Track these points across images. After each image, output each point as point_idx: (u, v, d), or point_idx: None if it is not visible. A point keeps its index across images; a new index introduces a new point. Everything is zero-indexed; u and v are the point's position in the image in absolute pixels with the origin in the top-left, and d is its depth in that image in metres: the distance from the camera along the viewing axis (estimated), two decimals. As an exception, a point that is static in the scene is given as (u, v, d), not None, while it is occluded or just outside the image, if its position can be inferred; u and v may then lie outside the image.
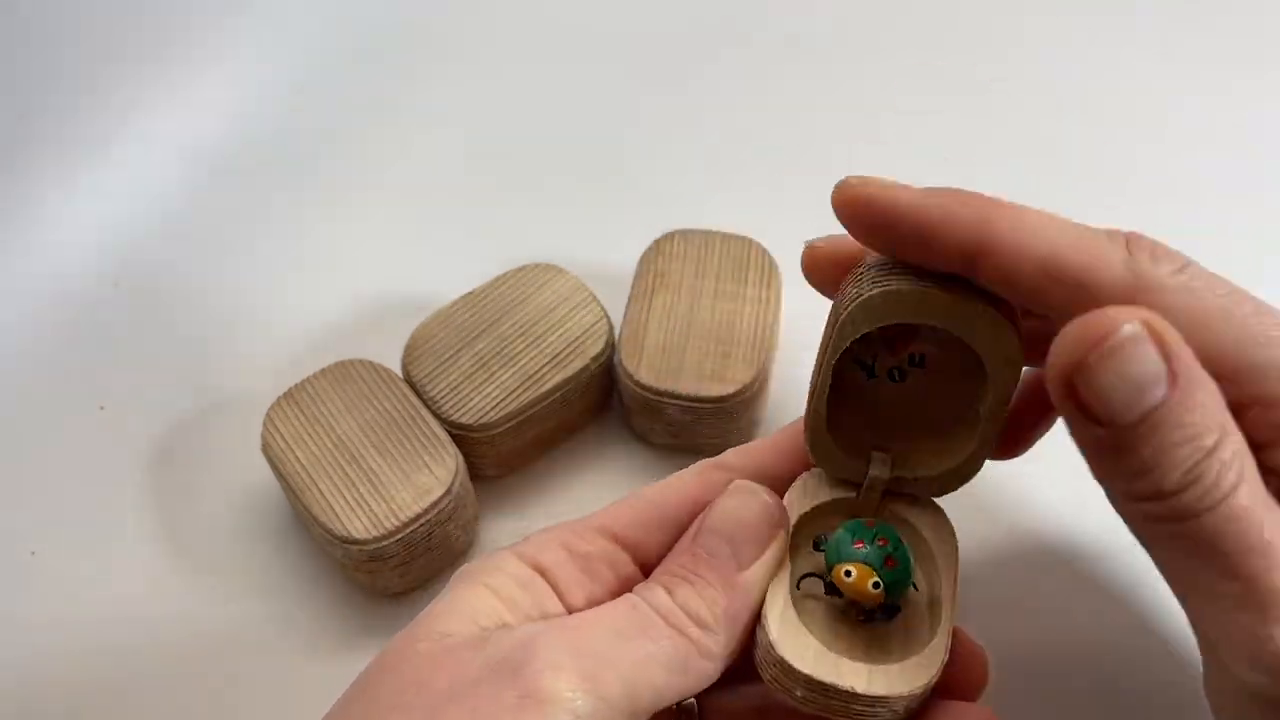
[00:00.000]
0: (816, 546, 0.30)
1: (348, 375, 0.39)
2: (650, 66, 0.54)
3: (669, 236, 0.43)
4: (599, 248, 0.45)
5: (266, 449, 0.38)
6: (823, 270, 0.32)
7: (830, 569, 0.29)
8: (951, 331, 0.27)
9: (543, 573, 0.29)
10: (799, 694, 0.27)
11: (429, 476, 0.36)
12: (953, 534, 0.30)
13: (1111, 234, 0.27)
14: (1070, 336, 0.23)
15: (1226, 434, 0.24)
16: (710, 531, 0.29)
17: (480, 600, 0.28)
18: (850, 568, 0.28)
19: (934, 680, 0.27)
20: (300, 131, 0.52)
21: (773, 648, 0.27)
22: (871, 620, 0.29)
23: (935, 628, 0.28)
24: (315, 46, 0.54)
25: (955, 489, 0.30)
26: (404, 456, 0.37)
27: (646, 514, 0.30)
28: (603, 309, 0.41)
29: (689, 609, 0.27)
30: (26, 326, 0.46)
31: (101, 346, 0.45)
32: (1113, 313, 0.23)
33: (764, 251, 0.42)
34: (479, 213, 0.49)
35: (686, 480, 0.31)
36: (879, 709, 0.27)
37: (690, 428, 0.40)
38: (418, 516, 0.36)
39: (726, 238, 0.42)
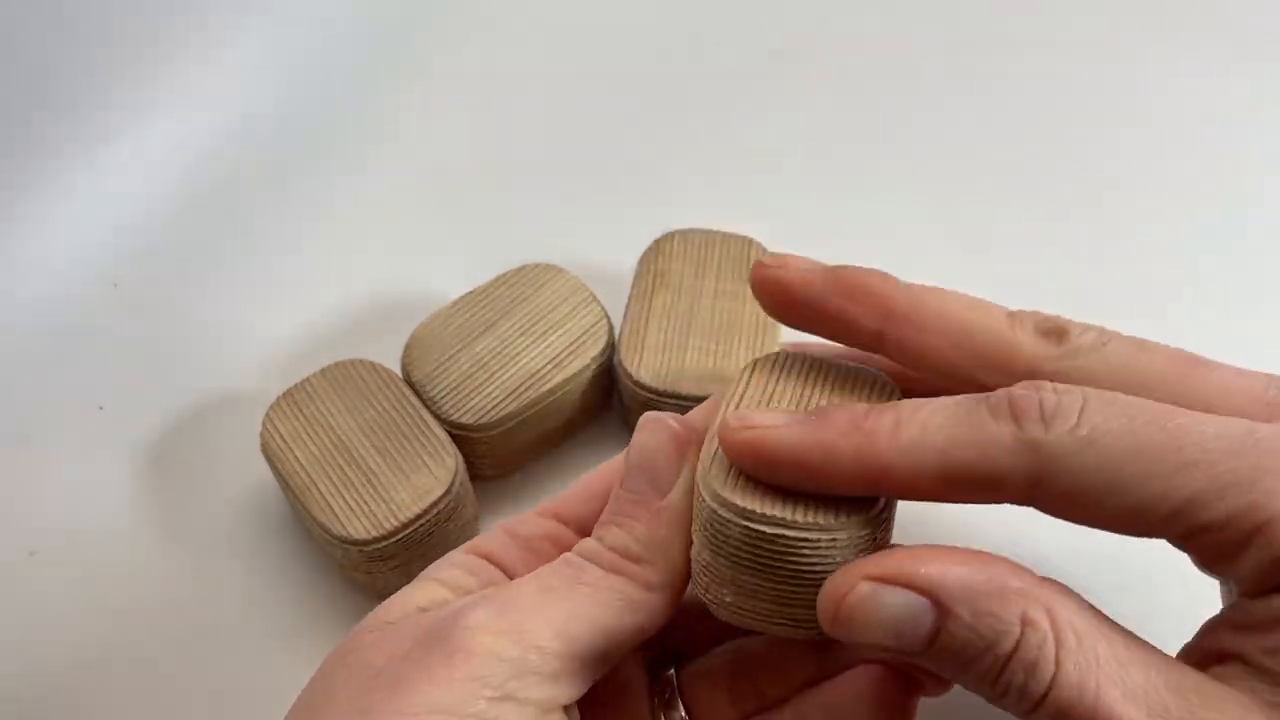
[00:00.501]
0: None
1: (347, 375, 0.39)
2: (650, 66, 0.54)
3: (669, 236, 0.43)
4: (599, 248, 0.45)
5: (266, 449, 0.38)
6: (772, 295, 0.31)
7: None
8: None
9: (488, 557, 0.30)
10: (734, 532, 0.26)
11: (428, 477, 0.36)
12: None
13: (1014, 316, 0.28)
14: (821, 599, 0.25)
15: (1029, 623, 0.24)
16: (629, 472, 0.29)
17: (427, 590, 0.29)
18: None
19: (879, 521, 0.26)
20: (300, 131, 0.51)
21: (706, 482, 0.26)
22: None
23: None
24: (315, 46, 0.54)
25: None
26: (403, 457, 0.37)
27: (587, 490, 0.31)
28: (603, 309, 0.41)
29: (619, 547, 0.28)
30: (26, 326, 0.46)
31: (101, 346, 0.45)
32: (852, 575, 0.25)
33: (764, 251, 0.42)
34: (479, 213, 0.49)
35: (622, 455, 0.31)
36: (818, 541, 0.25)
37: (690, 428, 0.40)
38: (417, 517, 0.36)
39: (726, 238, 0.42)
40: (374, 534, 0.35)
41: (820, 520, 0.25)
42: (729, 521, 0.26)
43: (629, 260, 0.43)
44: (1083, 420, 0.24)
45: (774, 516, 0.25)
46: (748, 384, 0.29)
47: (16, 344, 0.45)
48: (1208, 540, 0.24)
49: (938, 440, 0.25)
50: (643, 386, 0.39)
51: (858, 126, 0.51)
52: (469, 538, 0.39)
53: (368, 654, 0.27)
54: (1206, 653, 0.25)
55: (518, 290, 0.41)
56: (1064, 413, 0.24)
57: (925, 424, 0.25)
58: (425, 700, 0.25)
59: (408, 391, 0.39)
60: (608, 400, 0.42)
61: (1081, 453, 0.24)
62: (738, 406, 0.28)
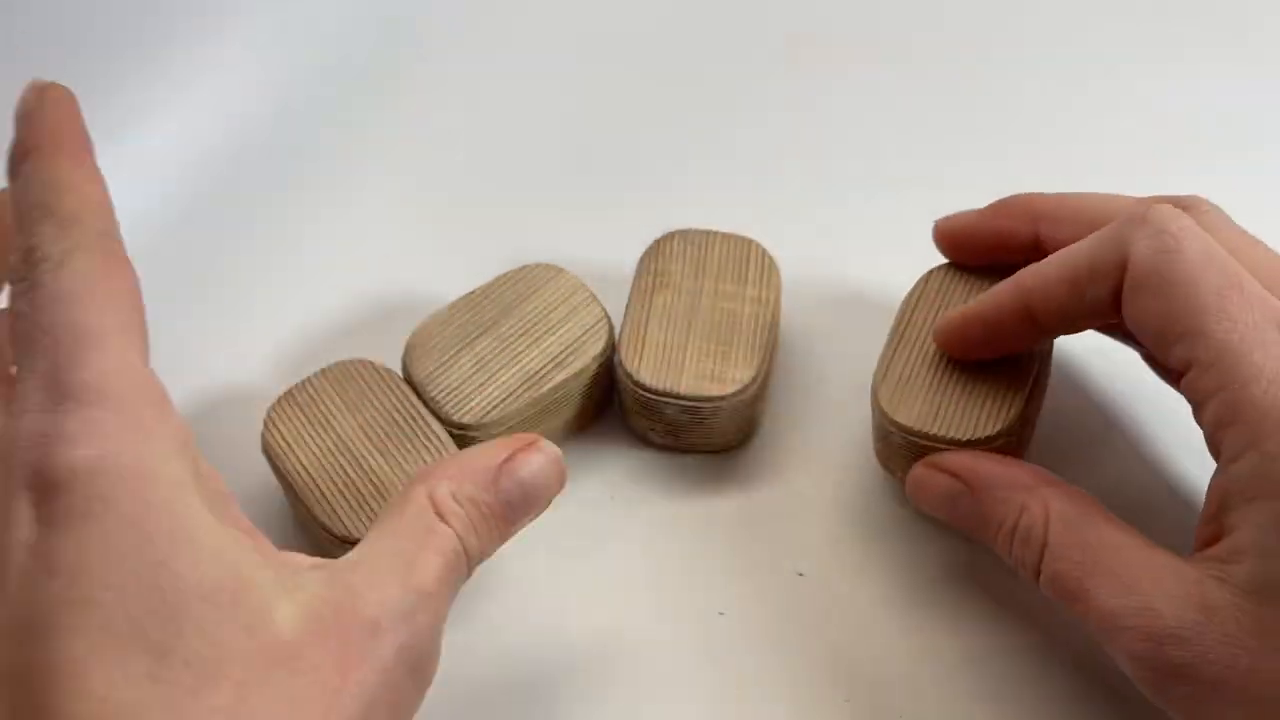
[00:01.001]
0: None
1: (348, 375, 0.39)
2: (650, 66, 0.54)
3: (669, 236, 0.43)
4: (599, 248, 0.45)
5: (267, 449, 0.38)
6: (950, 240, 0.40)
7: None
8: None
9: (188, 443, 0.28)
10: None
11: None
12: None
13: (1142, 200, 0.33)
14: (907, 479, 0.37)
15: (1025, 508, 0.32)
16: (517, 484, 0.31)
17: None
18: None
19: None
20: (300, 132, 0.51)
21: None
22: None
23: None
24: (315, 46, 0.54)
25: None
26: (405, 457, 0.37)
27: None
28: (603, 309, 0.41)
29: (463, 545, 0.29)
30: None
31: (101, 347, 0.45)
32: (922, 463, 0.36)
33: (764, 251, 0.42)
34: (479, 213, 0.49)
35: None
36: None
37: (690, 428, 0.40)
38: None
39: (726, 238, 0.42)
40: None
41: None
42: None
43: (629, 260, 0.43)
44: (1198, 220, 0.31)
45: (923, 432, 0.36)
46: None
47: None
48: (1195, 379, 0.29)
49: (1084, 208, 0.35)
50: (643, 386, 0.39)
51: (858, 127, 0.51)
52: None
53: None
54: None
55: (518, 290, 0.41)
56: (1183, 213, 0.31)
57: (1079, 200, 0.36)
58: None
59: (408, 391, 0.39)
60: (608, 400, 0.42)
61: (1178, 249, 0.30)
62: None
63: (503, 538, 0.31)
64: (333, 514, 0.36)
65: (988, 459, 0.34)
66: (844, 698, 0.36)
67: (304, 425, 0.38)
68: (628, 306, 0.41)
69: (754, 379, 0.39)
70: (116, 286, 0.28)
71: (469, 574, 0.30)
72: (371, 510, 0.36)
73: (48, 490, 0.23)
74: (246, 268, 0.47)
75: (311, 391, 0.39)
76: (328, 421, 0.38)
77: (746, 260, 0.42)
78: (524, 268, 0.41)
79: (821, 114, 0.52)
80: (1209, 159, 0.49)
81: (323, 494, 0.36)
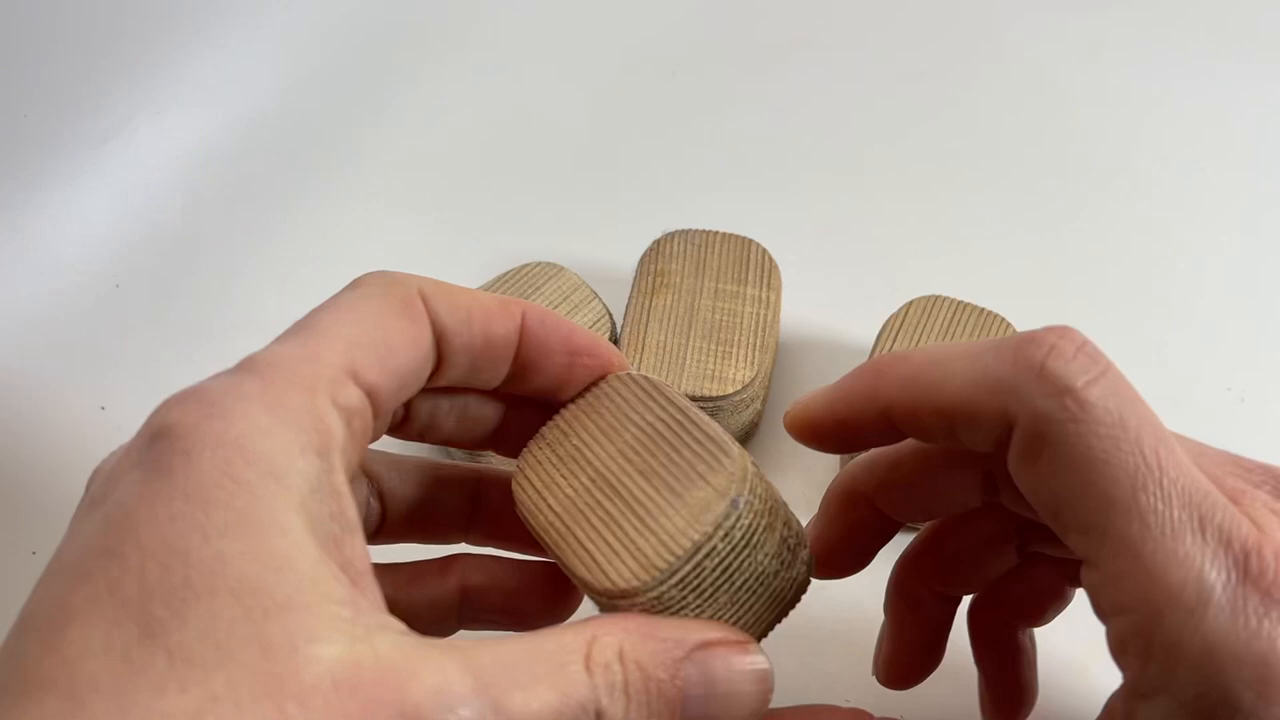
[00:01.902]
0: None
1: (602, 396, 0.29)
2: (651, 67, 0.54)
3: (669, 236, 0.43)
4: (599, 247, 0.45)
5: (519, 507, 0.29)
6: (801, 433, 0.30)
7: None
8: None
9: (327, 454, 0.23)
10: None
11: (704, 489, 0.26)
12: None
13: (1018, 347, 0.24)
14: None
15: None
16: (705, 678, 0.24)
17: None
18: None
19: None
20: (301, 132, 0.52)
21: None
22: None
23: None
24: (314, 47, 0.54)
25: None
26: (673, 473, 0.27)
27: (382, 346, 0.25)
28: (604, 306, 0.41)
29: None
30: (27, 327, 0.46)
31: (101, 346, 0.45)
32: None
33: (764, 251, 0.42)
34: (480, 213, 0.49)
35: (402, 324, 0.26)
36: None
37: (690, 427, 0.40)
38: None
39: (726, 238, 0.42)
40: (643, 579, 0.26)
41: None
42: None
43: (629, 260, 0.43)
44: (1101, 379, 0.23)
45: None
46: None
47: (18, 344, 0.45)
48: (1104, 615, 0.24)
49: (941, 382, 0.25)
50: (643, 386, 0.39)
51: (858, 127, 0.51)
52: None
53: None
54: None
55: (519, 288, 0.41)
56: (1089, 363, 0.23)
57: (927, 370, 0.26)
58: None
59: (674, 397, 0.29)
60: (608, 400, 0.42)
61: (1086, 411, 0.23)
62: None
63: None
64: (593, 565, 0.26)
65: None
66: (843, 698, 0.36)
67: (556, 465, 0.29)
68: (628, 306, 0.41)
69: (754, 378, 0.39)
70: (394, 323, 0.25)
71: None
72: (639, 551, 0.26)
73: (147, 435, 0.22)
74: (247, 268, 0.47)
75: (563, 425, 0.29)
76: (582, 455, 0.29)
77: (746, 260, 0.42)
78: (525, 266, 0.42)
79: (822, 114, 0.52)
80: (1207, 160, 0.49)
81: (580, 544, 0.27)
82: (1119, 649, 0.23)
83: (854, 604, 0.37)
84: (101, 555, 0.20)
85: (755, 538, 0.26)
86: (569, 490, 0.28)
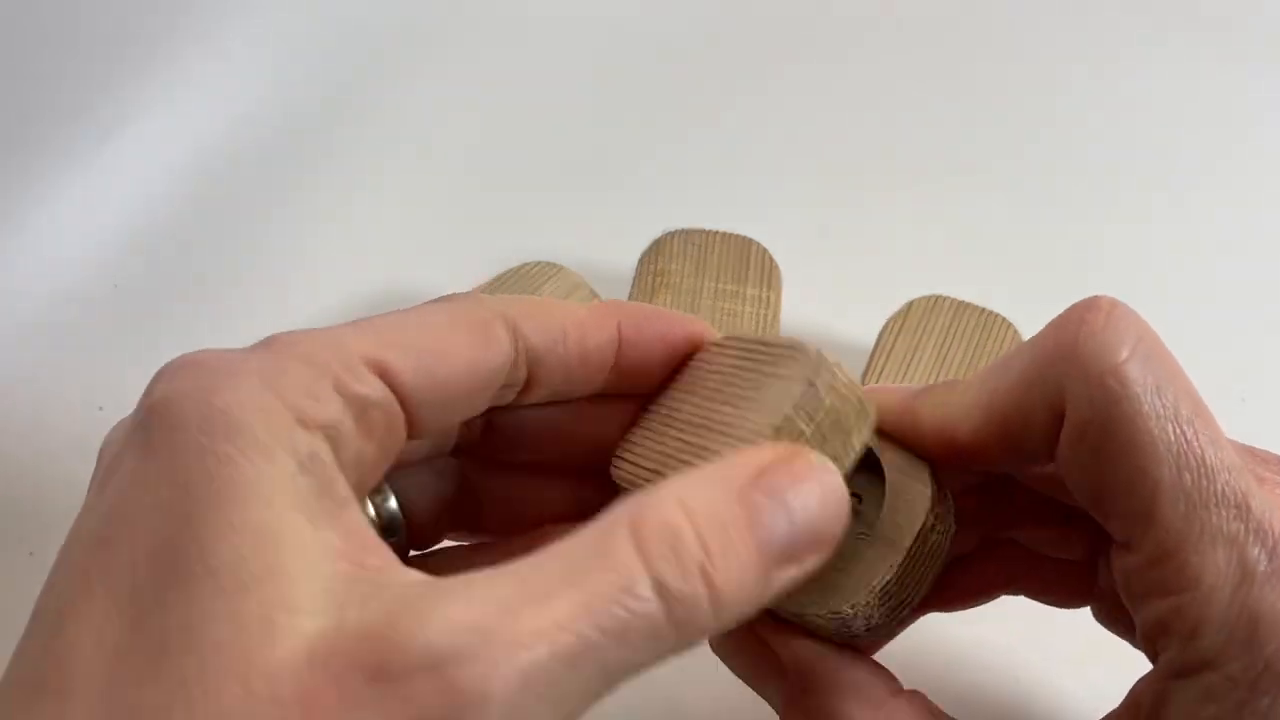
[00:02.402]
0: None
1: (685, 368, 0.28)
2: (651, 67, 0.54)
3: (669, 236, 0.43)
4: (599, 247, 0.45)
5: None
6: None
7: None
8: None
9: (323, 432, 0.21)
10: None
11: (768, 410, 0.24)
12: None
13: (1052, 335, 0.24)
14: None
15: None
16: (780, 501, 0.21)
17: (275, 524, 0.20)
18: None
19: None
20: (300, 131, 0.51)
21: None
22: None
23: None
24: (314, 46, 0.54)
25: None
26: (755, 388, 0.24)
27: (420, 349, 0.23)
28: (603, 308, 0.41)
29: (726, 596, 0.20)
30: (26, 327, 0.46)
31: (101, 346, 0.45)
32: None
33: (764, 251, 0.42)
34: (480, 212, 0.49)
35: (462, 320, 0.24)
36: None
37: (690, 427, 0.40)
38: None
39: (726, 237, 0.42)
40: None
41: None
42: None
43: (629, 260, 0.43)
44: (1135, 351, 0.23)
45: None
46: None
47: (17, 344, 0.45)
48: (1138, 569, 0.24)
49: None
50: (643, 386, 0.39)
51: (858, 126, 0.51)
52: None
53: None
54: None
55: (519, 287, 0.41)
56: (1123, 332, 0.23)
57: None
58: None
59: (748, 335, 0.28)
60: (608, 400, 0.42)
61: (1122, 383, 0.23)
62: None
63: (761, 579, 0.20)
64: None
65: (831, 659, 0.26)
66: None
67: (647, 436, 0.28)
68: (628, 306, 0.41)
69: (754, 379, 0.39)
70: (455, 336, 0.24)
71: (680, 643, 0.19)
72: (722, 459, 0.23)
73: (144, 408, 0.21)
74: (246, 268, 0.47)
75: (652, 406, 0.28)
76: (670, 418, 0.27)
77: (746, 260, 0.42)
78: (525, 265, 0.41)
79: (823, 114, 0.52)
80: (1211, 160, 0.49)
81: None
82: (1158, 630, 0.23)
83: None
84: (98, 548, 0.20)
85: (845, 423, 0.23)
86: (660, 448, 0.26)
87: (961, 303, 0.40)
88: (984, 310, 0.40)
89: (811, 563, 0.21)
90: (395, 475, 0.26)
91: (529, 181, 0.50)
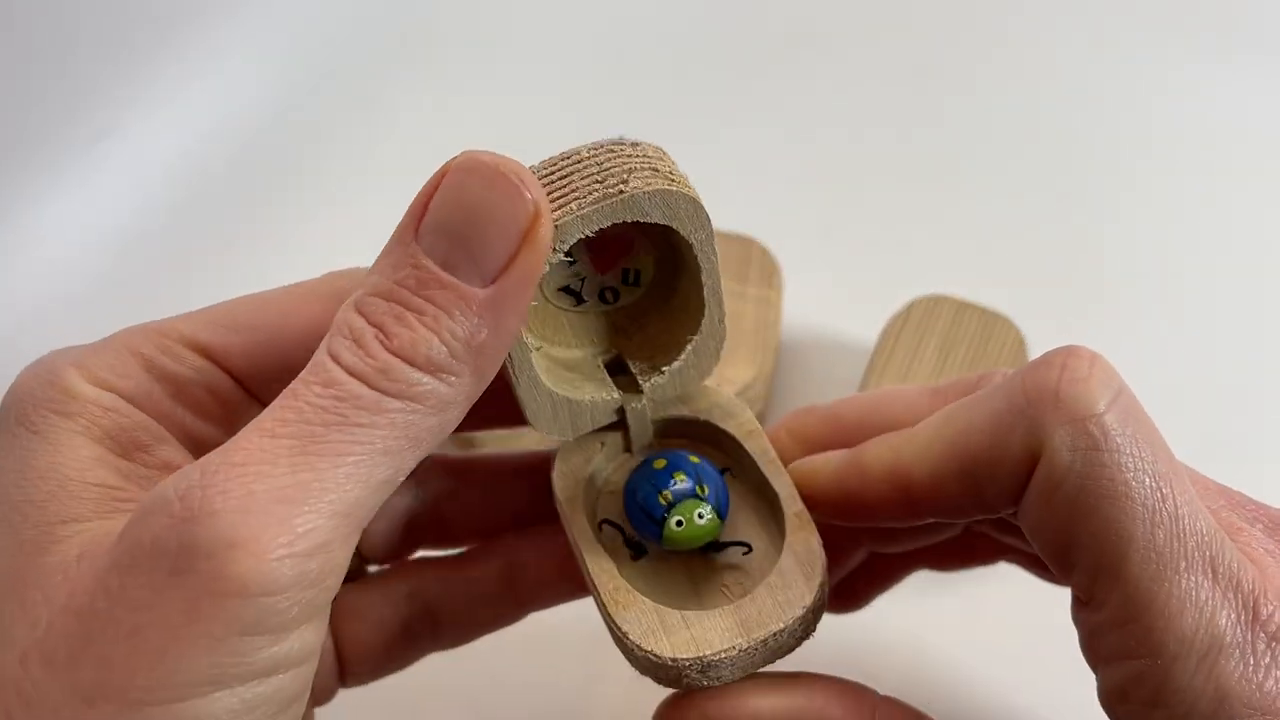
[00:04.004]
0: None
1: None
2: (651, 67, 0.54)
3: (669, 236, 0.42)
4: (599, 247, 0.45)
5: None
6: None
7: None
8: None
9: (128, 400, 0.23)
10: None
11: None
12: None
13: (1029, 376, 0.23)
14: None
15: None
16: (433, 231, 0.21)
17: (60, 450, 0.22)
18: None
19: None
20: (299, 132, 0.51)
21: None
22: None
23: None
24: (311, 47, 0.54)
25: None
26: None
27: (252, 326, 0.25)
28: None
29: (416, 355, 0.20)
30: (26, 327, 0.46)
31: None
32: None
33: (765, 251, 0.42)
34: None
35: (310, 293, 0.26)
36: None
37: (691, 428, 0.39)
38: None
39: (726, 238, 0.42)
40: None
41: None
42: None
43: (629, 260, 0.43)
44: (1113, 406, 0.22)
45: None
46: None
47: (16, 344, 0.45)
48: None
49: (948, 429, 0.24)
50: (643, 387, 0.39)
51: (860, 125, 0.51)
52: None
53: (51, 582, 0.20)
54: None
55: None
56: (1105, 382, 0.22)
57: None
58: (177, 673, 0.18)
59: None
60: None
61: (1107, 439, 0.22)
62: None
63: (500, 334, 0.21)
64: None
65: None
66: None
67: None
68: (628, 306, 0.41)
69: (755, 378, 0.39)
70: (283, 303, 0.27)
71: (424, 444, 0.21)
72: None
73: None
74: (245, 268, 0.47)
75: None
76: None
77: (747, 260, 0.42)
78: (524, 267, 0.41)
79: (823, 113, 0.52)
80: (1213, 159, 0.49)
81: None
82: (1117, 697, 0.22)
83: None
84: None
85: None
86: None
87: (964, 302, 0.40)
88: (986, 310, 0.40)
89: (474, 237, 0.21)
90: None
91: (529, 181, 0.50)
